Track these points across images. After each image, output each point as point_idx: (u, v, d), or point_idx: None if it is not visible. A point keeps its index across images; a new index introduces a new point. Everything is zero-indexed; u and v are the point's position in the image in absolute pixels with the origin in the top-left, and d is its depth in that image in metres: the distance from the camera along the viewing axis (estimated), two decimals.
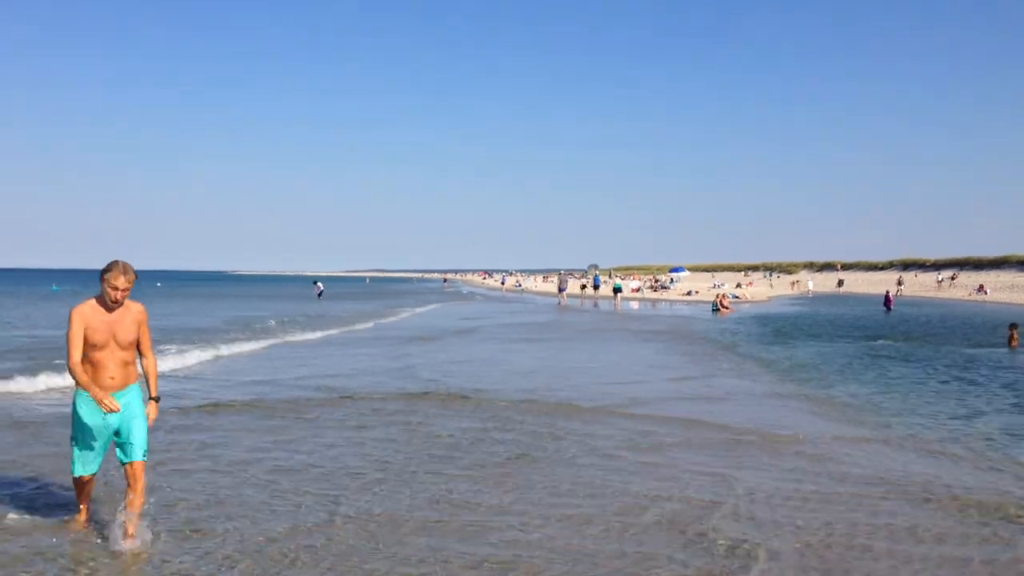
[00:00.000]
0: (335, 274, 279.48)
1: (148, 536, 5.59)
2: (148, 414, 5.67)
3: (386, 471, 7.76)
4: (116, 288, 5.42)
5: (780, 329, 28.92)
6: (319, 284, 65.46)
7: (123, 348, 5.52)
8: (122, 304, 5.52)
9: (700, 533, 6.01)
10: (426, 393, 12.76)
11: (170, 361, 16.47)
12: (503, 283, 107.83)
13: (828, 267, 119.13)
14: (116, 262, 5.50)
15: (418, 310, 43.21)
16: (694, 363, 17.80)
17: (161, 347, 17.95)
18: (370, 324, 30.94)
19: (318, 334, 25.43)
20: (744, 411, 11.48)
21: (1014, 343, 21.82)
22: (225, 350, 19.33)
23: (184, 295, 63.49)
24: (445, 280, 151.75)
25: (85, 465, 5.58)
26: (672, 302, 56.30)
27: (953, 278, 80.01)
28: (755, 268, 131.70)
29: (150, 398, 5.72)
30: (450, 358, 18.47)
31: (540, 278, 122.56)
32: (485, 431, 9.79)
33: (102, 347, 5.44)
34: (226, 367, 16.67)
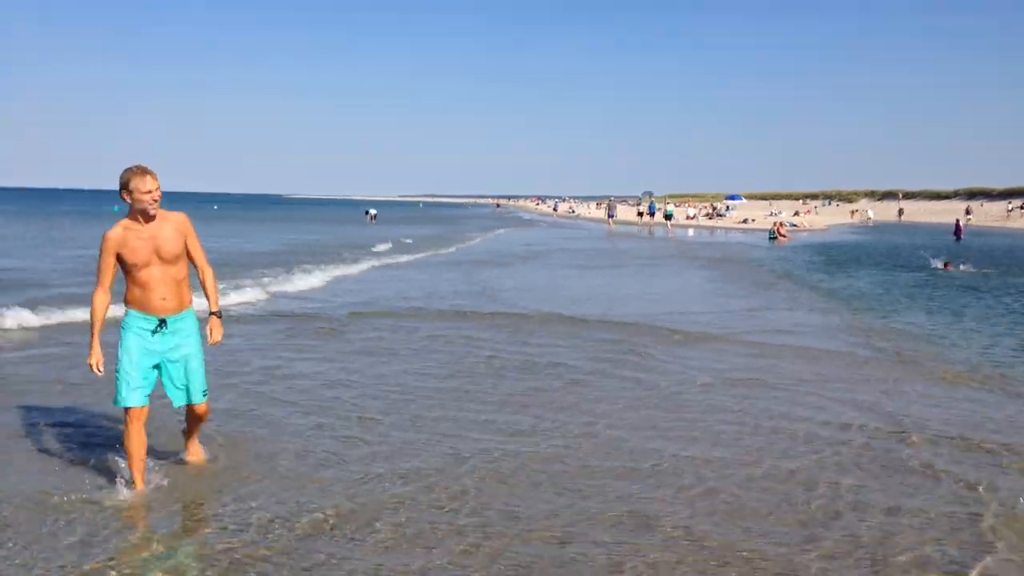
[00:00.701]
0: (388, 199, 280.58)
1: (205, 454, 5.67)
2: (211, 332, 5.24)
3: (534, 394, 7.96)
4: (148, 191, 4.86)
5: (843, 258, 28.44)
6: (372, 211, 65.82)
7: (169, 262, 4.99)
8: (155, 211, 4.95)
9: (903, 460, 5.97)
10: (523, 315, 13.09)
11: (300, 282, 17.46)
12: (555, 209, 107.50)
13: (889, 196, 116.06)
14: (129, 168, 4.92)
15: (488, 235, 43.83)
16: (757, 293, 17.63)
17: (267, 271, 19.21)
18: (452, 249, 31.87)
19: (406, 258, 26.33)
20: (829, 341, 11.37)
21: None
22: (339, 271, 20.47)
23: (243, 219, 64.26)
24: (497, 206, 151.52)
25: (130, 393, 4.96)
26: (728, 230, 55.55)
27: (1023, 207, 77.33)
28: (814, 196, 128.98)
29: (211, 313, 5.24)
30: (526, 283, 18.60)
31: (593, 205, 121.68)
32: (594, 354, 9.86)
33: (145, 265, 4.93)
34: (344, 287, 17.47)
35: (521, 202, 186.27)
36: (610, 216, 56.00)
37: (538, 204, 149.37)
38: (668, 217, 55.66)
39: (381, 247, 30.86)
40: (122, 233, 4.93)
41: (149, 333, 5.00)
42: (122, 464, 5.25)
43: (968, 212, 70.81)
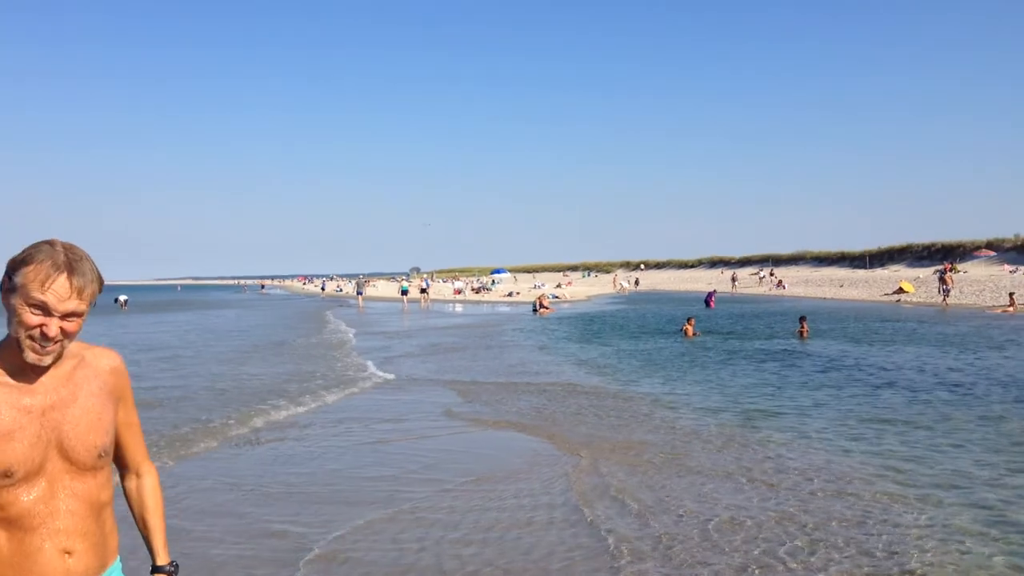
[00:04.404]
0: (141, 283, 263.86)
1: None
2: None
3: None
4: (50, 308, 2.12)
5: (600, 329, 29.34)
6: (123, 297, 61.23)
7: (84, 468, 2.22)
8: (60, 352, 2.19)
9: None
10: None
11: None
12: (323, 288, 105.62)
13: (637, 267, 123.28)
14: (36, 245, 2.17)
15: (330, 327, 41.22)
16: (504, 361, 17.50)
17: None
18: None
19: None
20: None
21: (804, 335, 23.06)
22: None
23: None
24: (262, 287, 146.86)
25: None
26: (494, 303, 56.43)
27: (772, 274, 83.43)
28: (575, 268, 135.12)
29: (154, 570, 2.51)
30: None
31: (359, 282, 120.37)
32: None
33: (30, 476, 2.12)
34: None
35: (288, 282, 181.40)
36: (359, 294, 57.42)
37: (305, 284, 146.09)
38: (404, 293, 58.21)
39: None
40: None
41: None
42: None
43: (734, 279, 75.30)
